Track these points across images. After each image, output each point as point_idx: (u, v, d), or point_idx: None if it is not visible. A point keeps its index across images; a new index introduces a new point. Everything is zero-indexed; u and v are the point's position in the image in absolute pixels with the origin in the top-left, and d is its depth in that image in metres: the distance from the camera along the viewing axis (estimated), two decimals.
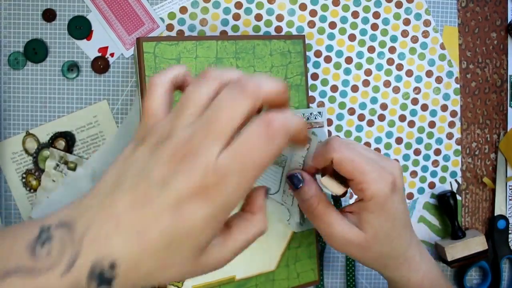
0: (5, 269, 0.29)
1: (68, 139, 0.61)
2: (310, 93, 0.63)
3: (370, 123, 0.64)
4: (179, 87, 0.36)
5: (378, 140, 0.64)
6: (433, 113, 0.64)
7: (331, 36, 0.63)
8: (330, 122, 0.64)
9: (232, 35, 0.61)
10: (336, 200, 0.62)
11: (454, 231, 0.63)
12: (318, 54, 0.63)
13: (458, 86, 0.65)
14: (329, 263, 0.65)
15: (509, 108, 0.65)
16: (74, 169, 0.60)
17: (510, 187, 0.65)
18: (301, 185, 0.45)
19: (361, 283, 0.65)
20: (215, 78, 0.32)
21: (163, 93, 0.35)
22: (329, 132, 0.64)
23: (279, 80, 0.32)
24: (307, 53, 0.63)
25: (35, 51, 0.60)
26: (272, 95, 0.31)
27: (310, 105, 0.63)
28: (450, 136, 0.65)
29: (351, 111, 0.64)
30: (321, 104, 0.63)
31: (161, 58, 0.52)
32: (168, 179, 0.30)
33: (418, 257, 0.48)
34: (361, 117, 0.64)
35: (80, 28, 0.60)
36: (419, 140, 0.65)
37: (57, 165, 0.60)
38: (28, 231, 0.31)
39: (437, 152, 0.65)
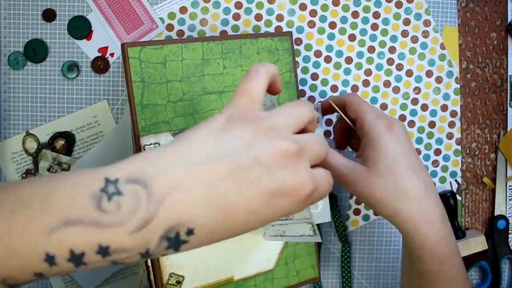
0: (66, 218, 0.28)
1: (68, 139, 0.61)
2: (310, 93, 0.63)
3: None
4: (270, 86, 0.38)
5: None
6: (433, 113, 0.64)
7: (331, 36, 0.63)
8: (330, 122, 0.64)
9: (217, 36, 0.61)
10: (331, 198, 0.62)
11: (454, 231, 0.63)
12: (318, 54, 0.63)
13: (458, 86, 0.65)
14: (328, 263, 0.65)
15: (509, 108, 0.65)
16: (67, 170, 0.60)
17: (510, 187, 0.65)
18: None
19: (361, 283, 0.65)
20: (313, 112, 0.37)
21: (263, 82, 0.36)
22: (329, 133, 0.64)
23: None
24: (307, 53, 0.63)
25: (35, 51, 0.60)
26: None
27: None
28: (450, 136, 0.65)
29: None
30: None
31: (146, 62, 0.52)
32: (276, 169, 0.31)
33: (437, 214, 0.46)
34: None
35: (80, 28, 0.60)
36: (419, 140, 0.65)
37: (51, 166, 0.60)
38: (91, 180, 0.29)
39: (437, 152, 0.65)
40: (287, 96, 0.58)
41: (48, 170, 0.61)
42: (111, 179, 0.29)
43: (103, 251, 0.28)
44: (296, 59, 0.63)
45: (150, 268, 0.52)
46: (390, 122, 0.48)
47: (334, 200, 0.61)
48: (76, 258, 0.28)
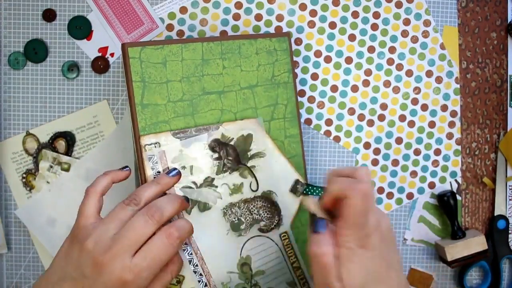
0: None
1: (68, 139, 0.61)
2: (310, 93, 0.63)
3: (370, 123, 0.64)
4: (104, 193, 0.49)
5: (378, 140, 0.64)
6: (433, 113, 0.64)
7: (331, 36, 0.63)
8: (330, 122, 0.64)
9: (216, 36, 0.61)
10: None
11: (454, 231, 0.63)
12: (318, 54, 0.63)
13: (458, 86, 0.65)
14: None
15: (509, 108, 0.65)
16: (67, 169, 0.60)
17: (510, 187, 0.65)
18: (322, 231, 0.45)
19: None
20: (137, 203, 0.47)
21: (95, 200, 0.48)
22: (329, 132, 0.64)
23: (177, 199, 0.48)
24: (307, 53, 0.63)
25: (35, 51, 0.60)
26: (173, 214, 0.47)
27: (310, 105, 0.63)
28: (450, 136, 0.65)
29: (351, 111, 0.64)
30: (321, 104, 0.63)
31: (147, 62, 0.52)
32: (96, 276, 0.43)
33: None
34: (361, 117, 0.64)
35: (80, 28, 0.60)
36: (419, 140, 0.65)
37: (51, 166, 0.60)
38: None
39: (437, 152, 0.65)
40: (285, 97, 0.58)
41: (48, 170, 0.61)
42: None
43: None
44: (296, 59, 0.63)
45: None
46: (366, 235, 0.43)
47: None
48: None
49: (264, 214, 0.55)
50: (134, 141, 0.52)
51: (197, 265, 0.51)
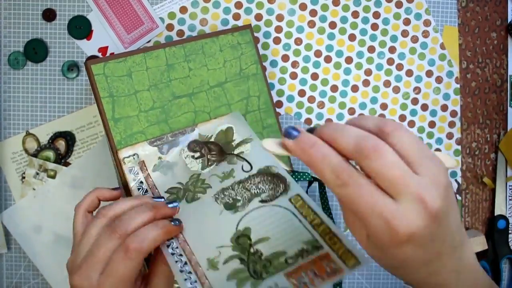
0: None
1: (68, 139, 0.61)
2: (310, 93, 0.63)
3: None
4: (92, 210, 0.48)
5: None
6: (433, 113, 0.64)
7: (331, 36, 0.63)
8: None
9: (178, 39, 0.61)
10: (320, 186, 0.61)
11: None
12: (318, 54, 0.63)
13: (458, 86, 0.65)
14: None
15: (509, 108, 0.65)
16: (53, 177, 0.60)
17: (510, 187, 0.65)
18: (297, 134, 0.36)
19: (361, 283, 0.65)
20: (104, 215, 0.45)
21: (81, 218, 0.47)
22: None
23: (147, 212, 0.44)
24: (307, 53, 0.63)
25: (35, 51, 0.60)
26: (140, 227, 0.44)
27: (310, 105, 0.63)
28: (450, 136, 0.65)
29: (351, 111, 0.64)
30: (321, 104, 0.63)
31: (112, 77, 0.52)
32: None
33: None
34: None
35: (80, 28, 0.60)
36: None
37: (37, 173, 0.60)
38: None
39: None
40: (256, 88, 0.58)
41: (34, 177, 0.60)
42: None
43: None
44: (296, 59, 0.63)
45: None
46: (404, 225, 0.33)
47: (323, 187, 0.61)
48: None
49: (265, 187, 0.51)
50: (112, 156, 0.52)
51: (177, 247, 0.48)
